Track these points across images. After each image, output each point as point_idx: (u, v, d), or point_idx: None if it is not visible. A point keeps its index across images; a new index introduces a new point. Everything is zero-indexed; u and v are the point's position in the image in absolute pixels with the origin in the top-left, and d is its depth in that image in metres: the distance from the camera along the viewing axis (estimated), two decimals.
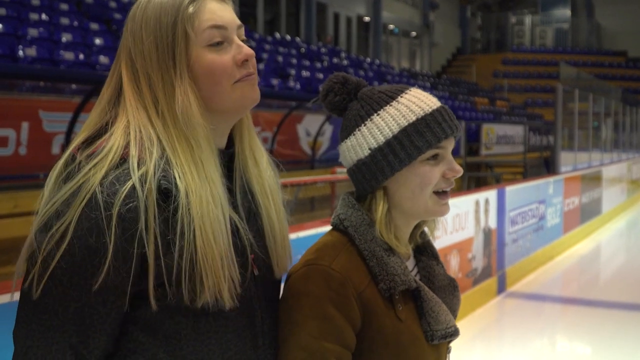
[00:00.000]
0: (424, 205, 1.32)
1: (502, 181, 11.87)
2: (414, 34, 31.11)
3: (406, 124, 1.31)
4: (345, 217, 1.34)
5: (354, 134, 1.35)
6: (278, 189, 1.36)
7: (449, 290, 1.44)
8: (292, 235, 3.35)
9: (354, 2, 26.02)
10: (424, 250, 1.47)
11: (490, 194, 6.73)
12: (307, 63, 15.78)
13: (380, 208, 1.32)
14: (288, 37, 18.76)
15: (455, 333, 1.36)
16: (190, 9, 1.19)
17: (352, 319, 1.26)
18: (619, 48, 35.88)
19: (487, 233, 6.57)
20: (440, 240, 5.55)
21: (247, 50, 1.24)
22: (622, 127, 16.21)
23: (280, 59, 14.78)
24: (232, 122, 1.28)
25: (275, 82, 12.36)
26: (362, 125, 1.34)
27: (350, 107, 1.38)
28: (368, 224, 1.32)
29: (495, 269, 6.75)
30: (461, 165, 10.71)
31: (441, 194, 1.34)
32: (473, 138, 14.20)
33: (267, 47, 15.68)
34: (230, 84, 1.21)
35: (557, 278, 8.21)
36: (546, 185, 8.65)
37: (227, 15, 1.24)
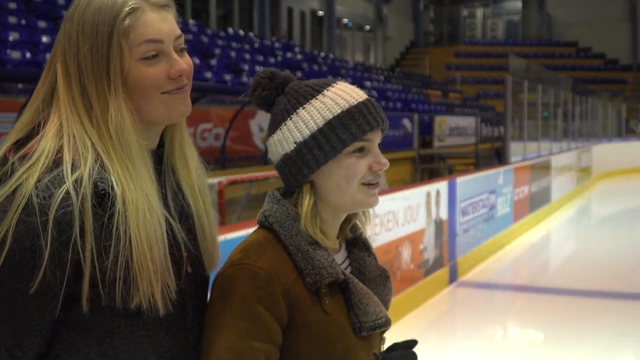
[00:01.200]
0: (352, 197, 1.32)
1: (454, 172, 12.04)
2: (367, 27, 31.25)
3: (331, 116, 1.30)
4: (270, 214, 1.34)
5: (280, 129, 1.34)
6: (206, 190, 1.37)
7: (380, 281, 1.44)
8: (243, 232, 3.31)
9: None
10: (357, 243, 1.47)
11: (441, 186, 6.83)
12: (260, 58, 15.71)
13: (307, 202, 1.32)
14: (241, 32, 18.66)
15: (385, 324, 1.37)
16: (127, 22, 1.17)
17: (279, 316, 1.26)
18: (569, 39, 36.56)
19: (439, 224, 6.67)
20: (392, 232, 5.63)
21: (181, 65, 1.22)
22: (572, 116, 16.56)
23: (233, 54, 14.69)
24: (162, 127, 1.30)
25: (227, 77, 12.29)
26: (288, 119, 1.33)
27: (277, 102, 1.38)
28: (293, 218, 1.32)
29: (446, 259, 6.86)
30: (414, 157, 10.81)
31: (369, 185, 1.33)
32: (426, 130, 14.33)
33: (220, 42, 15.57)
34: (158, 94, 1.21)
35: (508, 266, 8.37)
36: (496, 175, 8.81)
37: (165, 27, 1.22)
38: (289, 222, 1.32)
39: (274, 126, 1.36)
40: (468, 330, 5.84)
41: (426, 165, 13.53)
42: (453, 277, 7.00)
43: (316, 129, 1.31)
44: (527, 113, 11.79)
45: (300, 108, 1.33)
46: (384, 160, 1.34)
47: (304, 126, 1.32)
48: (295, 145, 1.32)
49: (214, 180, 5.10)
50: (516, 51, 29.23)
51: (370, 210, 1.44)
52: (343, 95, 1.33)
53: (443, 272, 6.76)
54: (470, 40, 37.22)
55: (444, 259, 6.78)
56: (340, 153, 1.30)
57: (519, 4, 38.37)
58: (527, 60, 18.82)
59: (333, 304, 1.31)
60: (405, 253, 5.90)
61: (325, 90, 1.34)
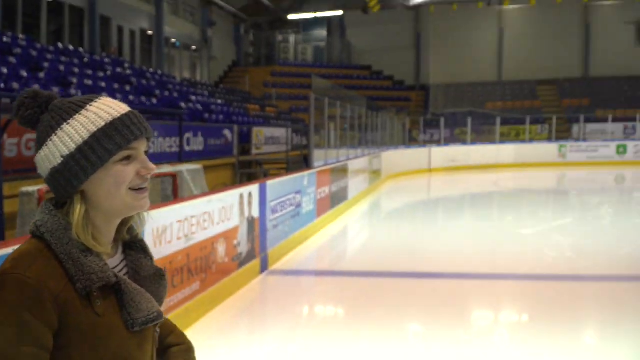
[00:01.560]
0: (122, 202, 1.28)
1: (269, 176, 12.17)
2: (194, 47, 30.72)
3: (95, 129, 1.25)
4: (42, 224, 1.26)
5: (46, 144, 1.27)
6: None
7: (155, 279, 1.40)
8: None
9: (137, 16, 24.99)
10: (134, 246, 1.42)
11: (253, 188, 6.85)
12: (90, 72, 14.77)
13: (78, 211, 1.26)
14: (71, 47, 17.45)
15: (157, 317, 1.34)
16: None
17: (48, 322, 1.19)
18: (365, 63, 38.60)
19: (251, 222, 6.68)
20: (208, 230, 5.54)
21: None
22: (366, 128, 17.44)
23: (62, 68, 13.68)
24: None
25: (56, 90, 11.43)
26: (53, 134, 1.26)
27: (42, 120, 1.30)
28: (64, 227, 1.25)
29: (258, 251, 6.88)
30: (234, 163, 10.63)
31: (138, 190, 1.30)
32: (245, 140, 14.35)
33: (50, 56, 14.42)
34: None
35: (312, 255, 8.57)
36: (301, 178, 9.02)
37: None
38: (60, 232, 1.25)
39: (40, 143, 1.29)
40: (278, 312, 5.90)
41: (245, 170, 13.56)
42: (264, 267, 7.05)
43: (82, 141, 1.25)
44: (329, 125, 12.20)
45: (65, 123, 1.26)
46: (151, 165, 1.31)
47: (70, 140, 1.25)
48: (62, 159, 1.25)
49: (34, 188, 4.68)
50: (322, 72, 30.26)
51: (145, 213, 1.40)
52: (106, 109, 1.28)
53: (255, 263, 6.77)
54: (284, 62, 37.94)
55: (256, 252, 6.80)
56: (107, 162, 1.26)
57: (325, 33, 39.80)
58: (329, 80, 19.49)
59: (105, 305, 1.26)
60: (221, 248, 5.84)
61: (88, 106, 1.28)
